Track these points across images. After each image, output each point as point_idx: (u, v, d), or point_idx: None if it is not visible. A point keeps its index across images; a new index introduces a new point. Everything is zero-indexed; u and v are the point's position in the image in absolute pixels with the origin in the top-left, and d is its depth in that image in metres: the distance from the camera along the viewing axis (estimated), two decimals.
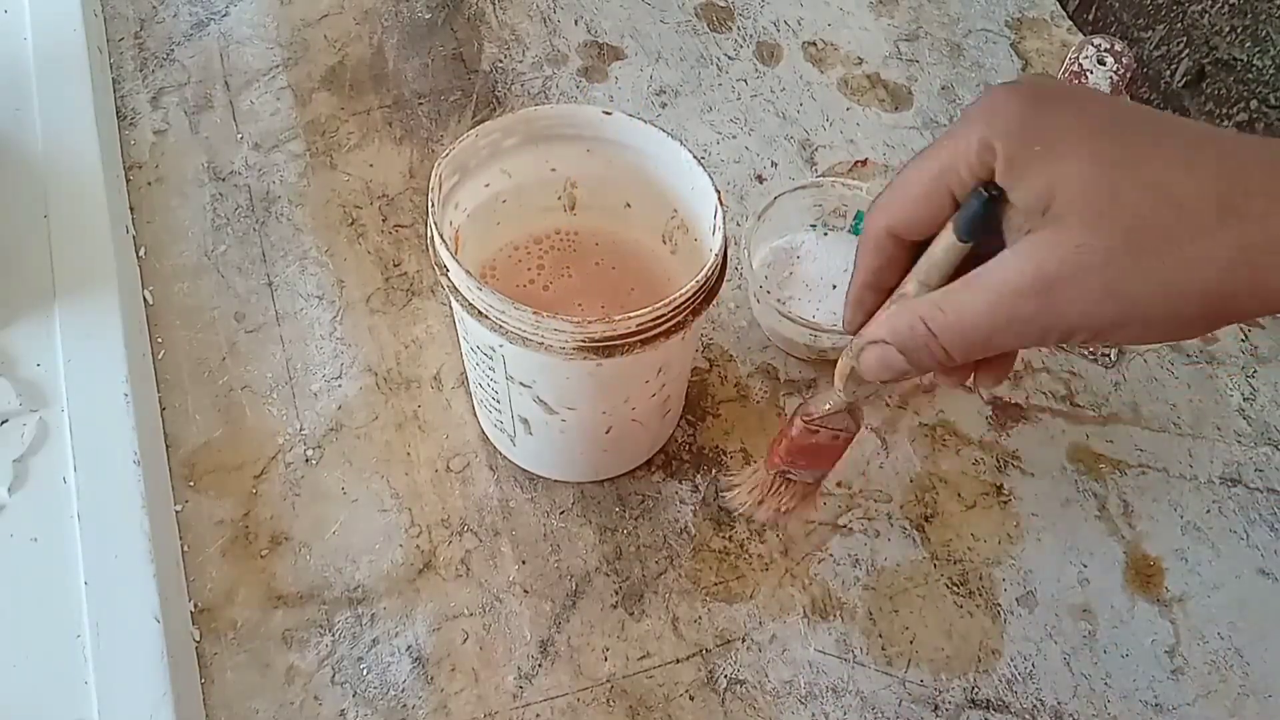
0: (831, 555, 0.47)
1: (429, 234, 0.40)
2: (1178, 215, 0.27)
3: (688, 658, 0.44)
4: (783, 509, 0.42)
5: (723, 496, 0.46)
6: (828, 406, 0.38)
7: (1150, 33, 0.78)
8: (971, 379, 0.34)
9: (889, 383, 0.35)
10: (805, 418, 0.39)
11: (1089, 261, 0.27)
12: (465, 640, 0.44)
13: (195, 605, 0.44)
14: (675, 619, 0.45)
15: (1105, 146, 0.28)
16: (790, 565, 0.47)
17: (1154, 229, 0.27)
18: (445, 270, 0.38)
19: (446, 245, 0.38)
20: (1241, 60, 0.71)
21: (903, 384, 0.45)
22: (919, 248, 0.33)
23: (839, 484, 0.49)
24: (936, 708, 0.44)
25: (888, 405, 0.52)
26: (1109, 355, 0.54)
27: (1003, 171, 0.29)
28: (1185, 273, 0.27)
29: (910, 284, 0.33)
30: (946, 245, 0.31)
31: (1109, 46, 0.62)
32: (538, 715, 0.43)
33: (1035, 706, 0.44)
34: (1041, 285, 0.28)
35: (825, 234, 0.54)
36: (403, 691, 0.43)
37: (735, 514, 0.47)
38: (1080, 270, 0.28)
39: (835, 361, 0.52)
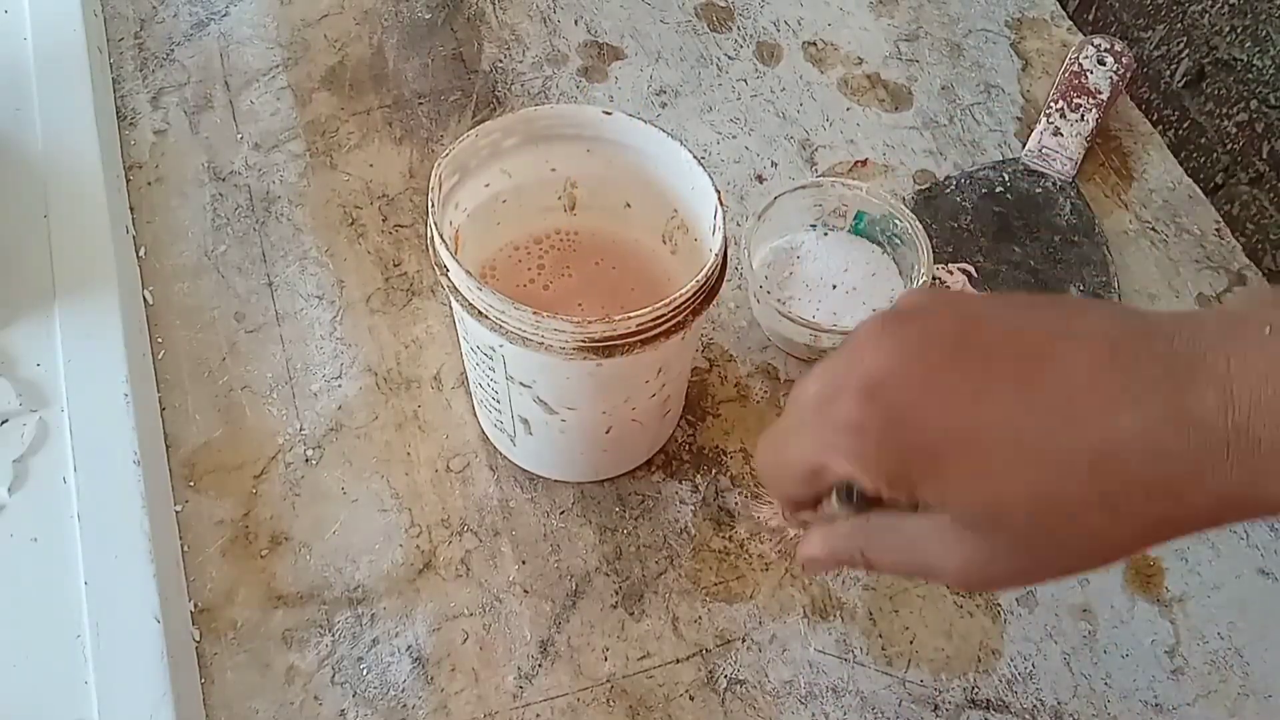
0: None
1: (429, 234, 0.40)
2: (1066, 519, 0.27)
3: (688, 658, 0.44)
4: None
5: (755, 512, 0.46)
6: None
7: (1150, 33, 0.78)
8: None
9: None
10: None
11: (993, 559, 0.28)
12: (465, 640, 0.44)
13: (195, 605, 0.44)
14: (675, 619, 0.45)
15: (970, 468, 0.27)
16: (790, 565, 0.47)
17: (1045, 529, 0.27)
18: (445, 270, 0.38)
19: (446, 245, 0.38)
20: (1241, 60, 0.71)
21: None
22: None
23: None
24: (936, 708, 0.44)
25: None
26: None
27: (884, 493, 0.28)
28: (1090, 547, 0.28)
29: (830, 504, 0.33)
30: (835, 509, 0.31)
31: (1109, 46, 0.62)
32: (538, 715, 0.43)
33: (1035, 706, 0.44)
34: (958, 569, 0.29)
35: (825, 234, 0.54)
36: (403, 691, 0.43)
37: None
38: (988, 562, 0.28)
39: None
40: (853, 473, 0.28)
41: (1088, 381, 0.26)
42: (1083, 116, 0.60)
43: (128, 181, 0.56)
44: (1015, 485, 0.27)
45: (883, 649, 0.45)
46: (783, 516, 0.38)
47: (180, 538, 0.46)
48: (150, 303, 0.52)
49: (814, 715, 0.43)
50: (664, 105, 0.62)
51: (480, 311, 0.38)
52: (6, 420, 0.46)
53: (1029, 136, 0.60)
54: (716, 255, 0.38)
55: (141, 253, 0.54)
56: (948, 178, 0.59)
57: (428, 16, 0.65)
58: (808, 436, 0.29)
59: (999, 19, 0.67)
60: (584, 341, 0.37)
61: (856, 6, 0.67)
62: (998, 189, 0.59)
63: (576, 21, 0.65)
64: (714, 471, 0.49)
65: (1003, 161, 0.60)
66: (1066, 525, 0.27)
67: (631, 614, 0.45)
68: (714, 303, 0.39)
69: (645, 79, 0.63)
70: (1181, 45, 0.76)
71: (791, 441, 0.30)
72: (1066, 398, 0.26)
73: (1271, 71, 0.69)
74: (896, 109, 0.62)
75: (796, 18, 0.66)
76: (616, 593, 0.46)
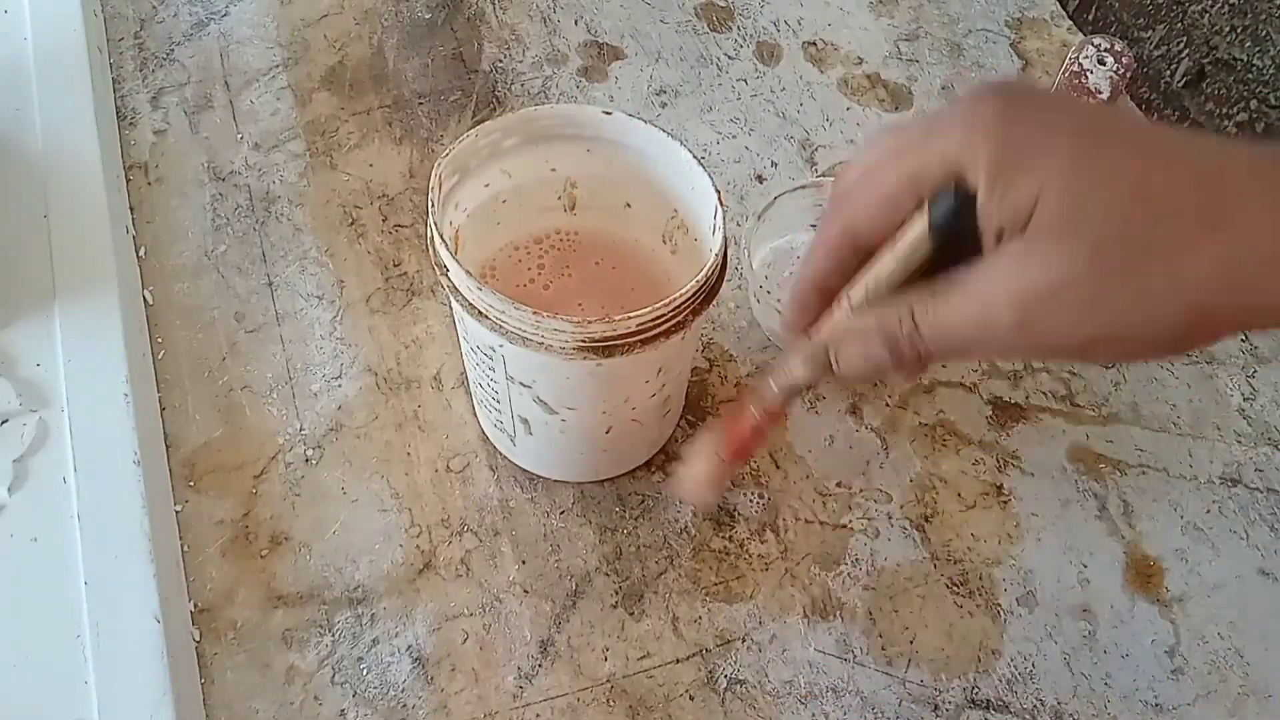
0: (832, 555, 0.47)
1: (429, 234, 0.40)
2: (1157, 227, 0.26)
3: (688, 658, 0.44)
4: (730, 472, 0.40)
5: (680, 489, 0.41)
6: (769, 399, 0.37)
7: (1150, 33, 0.78)
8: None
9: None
10: (772, 412, 0.37)
11: (1065, 279, 0.27)
12: (465, 640, 0.44)
13: (195, 605, 0.44)
14: (675, 619, 0.45)
15: (1084, 156, 0.27)
16: (790, 565, 0.47)
17: (1133, 243, 0.26)
18: (445, 270, 0.38)
19: (446, 245, 0.38)
20: (1241, 60, 0.71)
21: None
22: (853, 271, 0.32)
23: (839, 484, 0.49)
24: (936, 708, 0.44)
25: (887, 405, 0.52)
26: None
27: (984, 184, 0.28)
28: (1166, 288, 0.26)
29: (858, 289, 0.32)
30: (910, 248, 0.30)
31: (1109, 46, 0.62)
32: (538, 715, 0.43)
33: (1035, 706, 0.44)
34: (1020, 302, 0.27)
35: None
36: (403, 691, 0.43)
37: (684, 502, 0.45)
38: (1057, 288, 0.27)
39: None
40: (966, 145, 0.28)
41: (1192, 139, 0.27)
42: None
43: (128, 181, 0.56)
44: (1121, 174, 0.27)
45: (883, 649, 0.45)
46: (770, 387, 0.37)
47: (180, 538, 0.46)
48: (150, 303, 0.52)
49: (814, 715, 0.43)
50: (664, 105, 0.62)
51: (480, 311, 0.38)
52: (6, 420, 0.46)
53: None
54: (716, 255, 0.38)
55: (141, 253, 0.54)
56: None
57: (428, 16, 0.65)
58: (914, 142, 0.29)
59: (999, 19, 0.67)
60: (584, 341, 0.37)
61: (856, 6, 0.67)
62: None
63: (576, 21, 0.65)
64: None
65: None
66: (1156, 235, 0.26)
67: (631, 614, 0.45)
68: (714, 303, 0.39)
69: (645, 79, 0.63)
70: (1181, 45, 0.76)
71: (892, 151, 0.30)
72: (1174, 143, 0.27)
73: (1271, 71, 0.69)
74: (896, 109, 0.62)
75: (796, 18, 0.66)
76: (616, 593, 0.46)
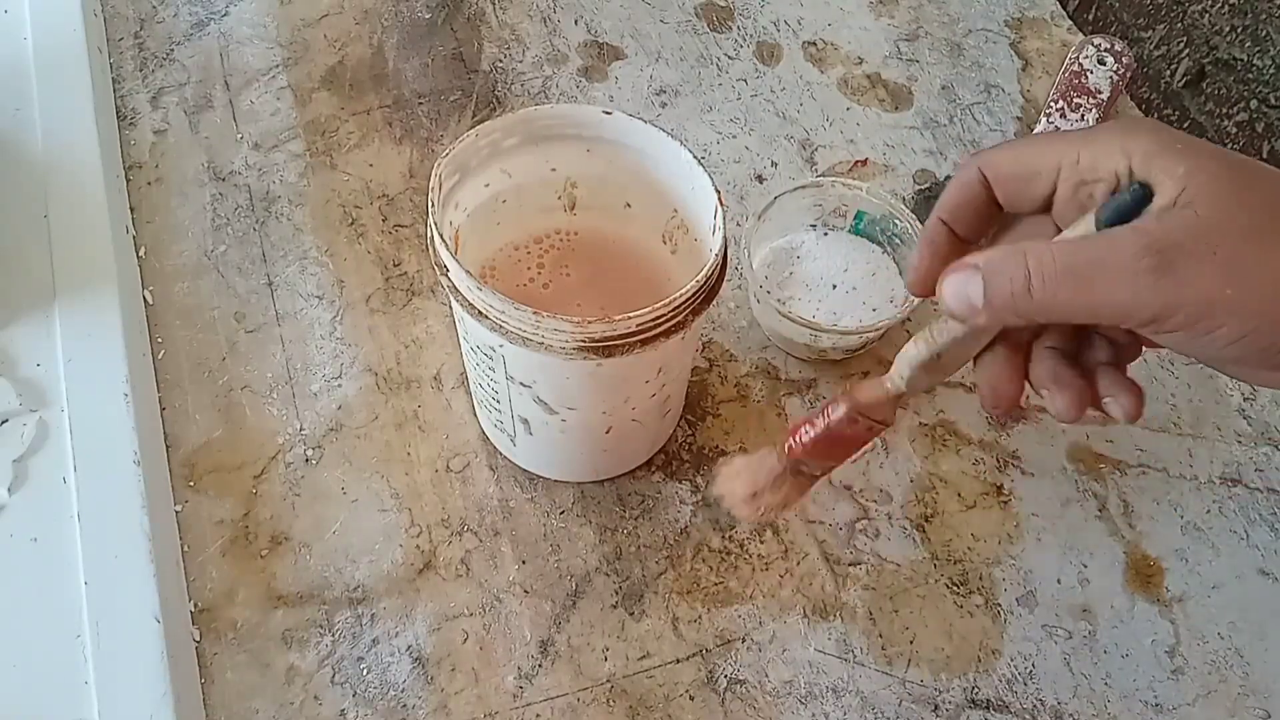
0: (831, 555, 0.47)
1: (429, 234, 0.40)
2: None
3: (688, 658, 0.44)
4: (782, 504, 0.39)
5: (716, 491, 0.41)
6: (878, 395, 0.35)
7: (1150, 33, 0.78)
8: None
9: (947, 361, 0.34)
10: (854, 406, 0.36)
11: (1213, 238, 0.27)
12: (465, 640, 0.44)
13: (195, 605, 0.44)
14: (675, 619, 0.45)
15: (1230, 155, 0.29)
16: (790, 565, 0.47)
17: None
18: (445, 270, 0.38)
19: (446, 245, 0.38)
20: (1241, 60, 0.71)
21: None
22: (985, 223, 0.33)
23: (839, 484, 0.49)
24: (936, 708, 0.44)
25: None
26: None
27: (1140, 164, 0.29)
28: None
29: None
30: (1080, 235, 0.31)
31: (1109, 46, 0.62)
32: (538, 715, 0.43)
33: (1035, 706, 0.44)
34: (1159, 249, 0.28)
35: (825, 234, 0.54)
36: (403, 691, 0.43)
37: (726, 509, 0.42)
38: (1203, 243, 0.27)
39: (836, 361, 0.52)
40: (1126, 137, 0.29)
41: None
42: (1083, 116, 0.60)
43: (128, 181, 0.56)
44: (1261, 173, 0.29)
45: (883, 649, 0.45)
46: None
47: (180, 538, 0.46)
48: (150, 303, 0.52)
49: (814, 715, 0.43)
50: (664, 105, 0.62)
51: (480, 311, 0.38)
52: (6, 420, 0.46)
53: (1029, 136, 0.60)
54: (716, 255, 0.38)
55: (141, 253, 0.54)
56: (948, 177, 0.59)
57: (428, 16, 0.65)
58: (1073, 133, 0.31)
59: (999, 19, 0.67)
60: (584, 341, 0.37)
61: (856, 6, 0.67)
62: None
63: (576, 21, 0.65)
64: (714, 471, 0.49)
65: None
66: None
67: (631, 614, 0.45)
68: (714, 303, 0.39)
69: (645, 79, 0.63)
70: (1181, 45, 0.76)
71: (1050, 134, 0.32)
72: None
73: (1271, 71, 0.69)
74: (896, 109, 0.62)
75: (796, 18, 0.66)
76: (616, 593, 0.46)
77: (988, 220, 0.34)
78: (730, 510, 0.39)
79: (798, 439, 0.37)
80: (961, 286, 0.31)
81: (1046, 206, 0.33)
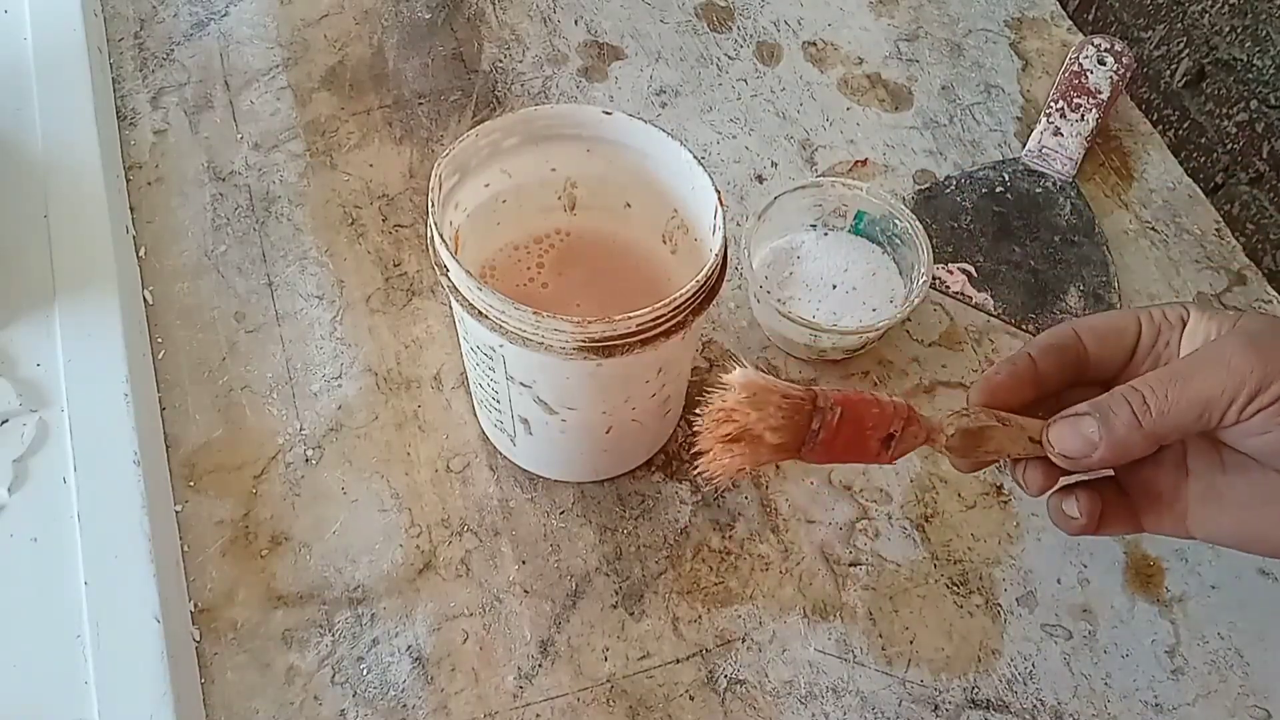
0: (831, 555, 0.47)
1: (429, 234, 0.40)
2: None
3: (688, 658, 0.44)
4: (743, 462, 0.34)
5: (711, 401, 0.35)
6: (934, 420, 0.38)
7: (1150, 33, 0.78)
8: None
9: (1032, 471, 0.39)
10: (912, 411, 0.37)
11: None
12: (465, 640, 0.44)
13: (195, 605, 0.44)
14: (675, 619, 0.45)
15: None
16: (790, 565, 0.47)
17: None
18: (445, 270, 0.38)
19: (446, 245, 0.38)
20: (1241, 60, 0.71)
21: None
22: (1066, 368, 0.37)
23: (839, 484, 0.49)
24: (936, 708, 0.44)
25: None
26: None
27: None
28: None
29: None
30: None
31: (1109, 46, 0.62)
32: (538, 715, 0.43)
33: (1035, 706, 0.44)
34: (1246, 333, 0.32)
35: (825, 234, 0.54)
36: (403, 691, 0.43)
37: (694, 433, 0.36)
38: None
39: (836, 361, 0.52)
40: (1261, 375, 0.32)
41: None
42: (1083, 116, 0.60)
43: (128, 181, 0.56)
44: None
45: (883, 649, 0.45)
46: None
47: (180, 538, 0.46)
48: (150, 303, 0.52)
49: (814, 715, 0.43)
50: (664, 105, 0.62)
51: (480, 311, 0.38)
52: (6, 420, 0.46)
53: (1029, 136, 0.60)
54: (716, 255, 0.38)
55: (141, 253, 0.54)
56: (948, 178, 0.59)
57: (428, 16, 0.65)
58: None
59: (999, 19, 0.67)
60: (584, 341, 0.37)
61: (856, 6, 0.67)
62: (998, 189, 0.59)
63: (576, 21, 0.65)
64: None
65: (1003, 161, 0.60)
66: None
67: (631, 614, 0.45)
68: (714, 303, 0.39)
69: (645, 79, 0.63)
70: (1181, 45, 0.76)
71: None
72: None
73: (1271, 71, 0.69)
74: (896, 109, 0.62)
75: (796, 18, 0.66)
76: (616, 593, 0.46)
77: (1070, 366, 0.37)
78: (697, 439, 0.35)
79: (864, 402, 0.37)
80: (1073, 428, 0.35)
81: (1127, 361, 0.37)
